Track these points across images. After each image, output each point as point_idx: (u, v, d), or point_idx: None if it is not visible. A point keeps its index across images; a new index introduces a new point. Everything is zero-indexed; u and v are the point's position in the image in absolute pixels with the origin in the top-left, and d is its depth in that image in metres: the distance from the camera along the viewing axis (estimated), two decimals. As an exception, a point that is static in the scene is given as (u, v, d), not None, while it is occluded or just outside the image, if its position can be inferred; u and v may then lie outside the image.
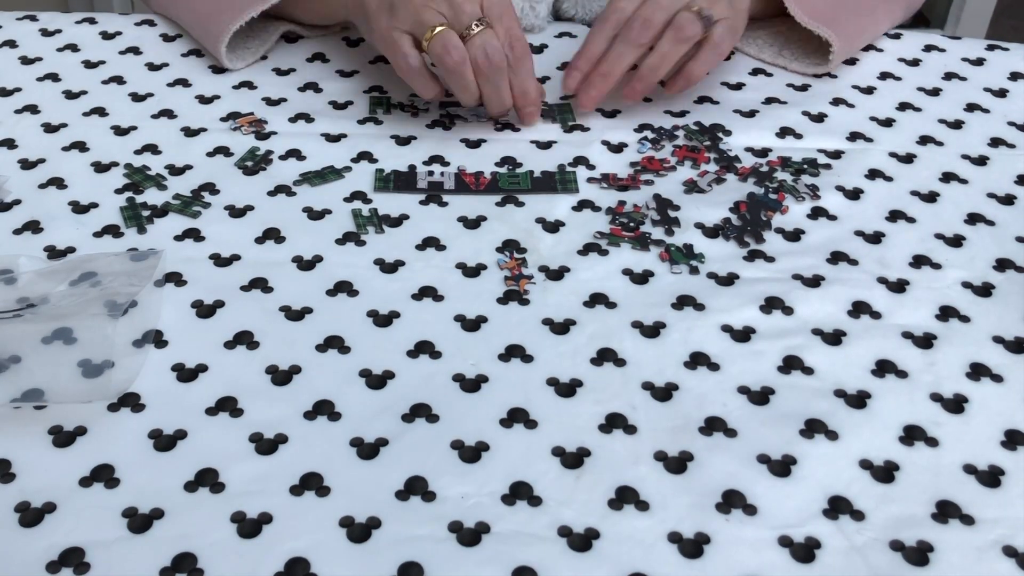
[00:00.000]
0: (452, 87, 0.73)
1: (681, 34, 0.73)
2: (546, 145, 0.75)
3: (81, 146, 0.74)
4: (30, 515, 0.48)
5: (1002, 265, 0.65)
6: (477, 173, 0.72)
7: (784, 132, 0.77)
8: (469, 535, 0.48)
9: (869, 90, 0.83)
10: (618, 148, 0.75)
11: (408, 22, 0.71)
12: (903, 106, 0.81)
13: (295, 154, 0.74)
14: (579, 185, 0.71)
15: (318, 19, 0.86)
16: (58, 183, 0.71)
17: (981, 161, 0.75)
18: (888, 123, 0.79)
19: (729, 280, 0.63)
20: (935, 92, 0.83)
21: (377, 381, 0.56)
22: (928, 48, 0.89)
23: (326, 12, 0.84)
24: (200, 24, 0.85)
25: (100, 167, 0.72)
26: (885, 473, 0.52)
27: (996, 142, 0.77)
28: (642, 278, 0.63)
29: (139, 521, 0.48)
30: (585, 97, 0.75)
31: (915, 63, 0.87)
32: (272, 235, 0.66)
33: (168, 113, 0.78)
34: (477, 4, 0.70)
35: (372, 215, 0.67)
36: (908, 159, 0.75)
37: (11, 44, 0.86)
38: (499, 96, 0.73)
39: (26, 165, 0.72)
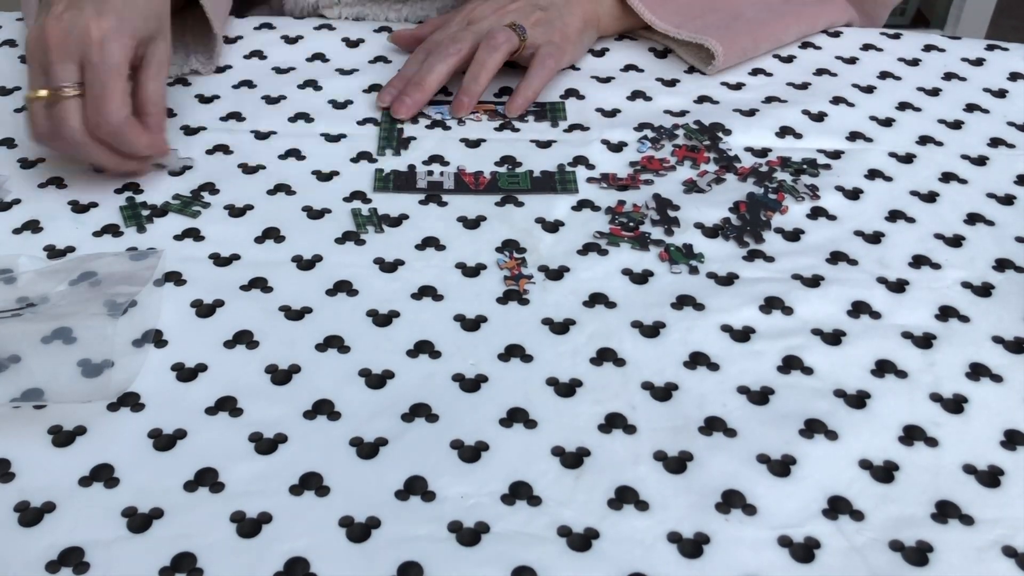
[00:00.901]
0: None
1: (493, 41, 0.76)
2: (546, 145, 0.75)
3: (81, 145, 0.74)
4: (30, 515, 0.48)
5: (1002, 265, 0.65)
6: (477, 173, 0.72)
7: (784, 132, 0.77)
8: (469, 535, 0.48)
9: (869, 90, 0.83)
10: (618, 148, 0.75)
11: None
12: (903, 106, 0.81)
13: (295, 154, 0.74)
14: (579, 185, 0.71)
15: None
16: (58, 182, 0.70)
17: (981, 161, 0.75)
18: (888, 123, 0.79)
19: (729, 280, 0.63)
20: (935, 92, 0.83)
21: (377, 381, 0.56)
22: (928, 48, 0.89)
23: None
24: None
25: (99, 167, 0.72)
26: (885, 473, 0.52)
27: (996, 142, 0.77)
28: (642, 278, 0.63)
29: (139, 521, 0.48)
30: (399, 105, 0.77)
31: (915, 63, 0.87)
32: (272, 235, 0.66)
33: (168, 112, 0.78)
34: (73, 65, 0.65)
35: (372, 215, 0.67)
36: (908, 159, 0.75)
37: (11, 44, 0.86)
38: (100, 164, 0.68)
39: (26, 164, 0.72)
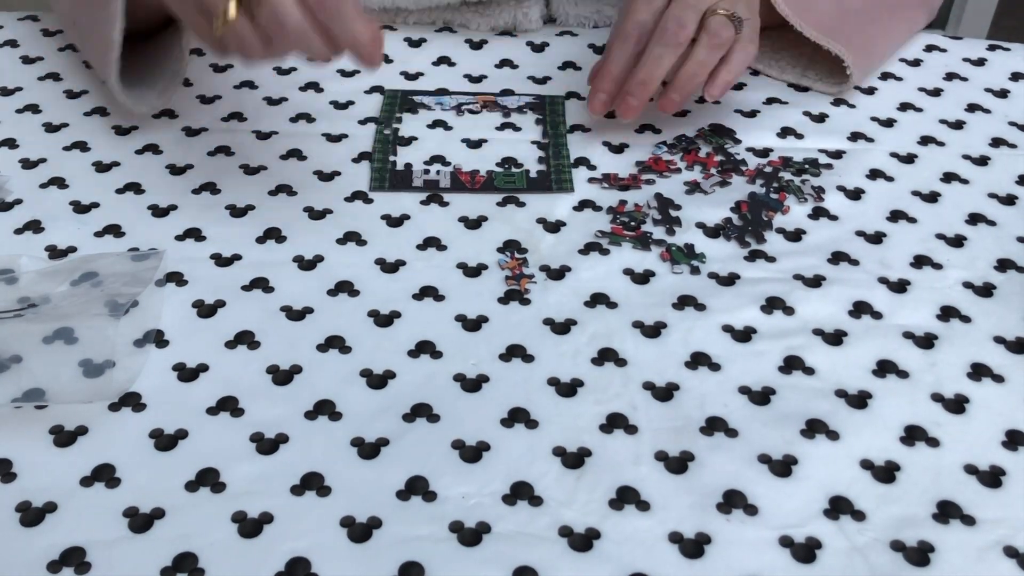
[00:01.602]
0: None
1: (716, 39, 0.70)
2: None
3: (82, 146, 0.74)
4: (31, 515, 0.48)
5: (1003, 265, 0.65)
6: (473, 172, 0.72)
7: (785, 132, 0.77)
8: (470, 535, 0.48)
9: (870, 90, 0.83)
10: (619, 148, 0.75)
11: (197, 2, 0.61)
12: (904, 106, 0.81)
13: (296, 154, 0.74)
14: (575, 184, 0.71)
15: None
16: (59, 183, 0.71)
17: (982, 161, 0.75)
18: (889, 123, 0.79)
19: (730, 280, 0.63)
20: (936, 92, 0.83)
21: (378, 381, 0.56)
22: (929, 48, 0.89)
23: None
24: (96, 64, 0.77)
25: (101, 167, 0.72)
26: (886, 473, 0.52)
27: (997, 142, 0.77)
28: (643, 278, 0.63)
29: (140, 521, 0.48)
30: (624, 107, 0.72)
31: (916, 63, 0.87)
32: (273, 235, 0.66)
33: (169, 113, 0.78)
34: None
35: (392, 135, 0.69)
36: (909, 159, 0.75)
37: (12, 44, 0.86)
38: (313, 55, 0.61)
39: (27, 165, 0.72)
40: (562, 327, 0.59)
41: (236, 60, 0.64)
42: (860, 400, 0.55)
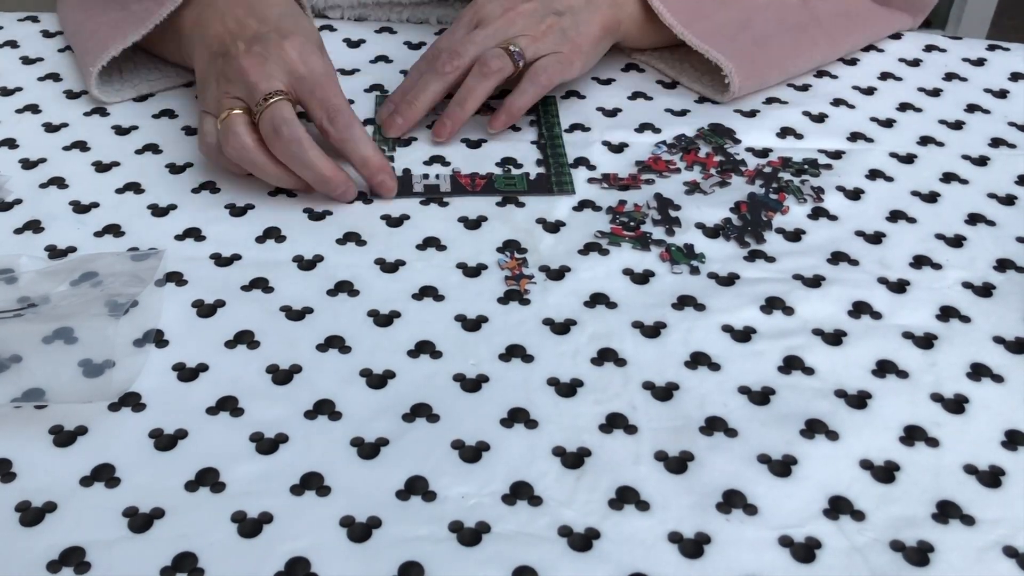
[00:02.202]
0: (250, 170, 0.68)
1: (485, 68, 0.72)
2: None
3: (82, 146, 0.74)
4: (31, 515, 0.48)
5: (1003, 265, 0.65)
6: (473, 174, 0.72)
7: (785, 132, 0.77)
8: (469, 535, 0.48)
9: (869, 90, 0.83)
10: (619, 148, 0.75)
11: (207, 103, 0.68)
12: (903, 106, 0.81)
13: (296, 154, 0.74)
14: (576, 187, 0.71)
15: (180, 59, 0.79)
16: (59, 183, 0.71)
17: (982, 161, 0.75)
18: (889, 123, 0.79)
19: (730, 280, 0.63)
20: (936, 92, 0.83)
21: (378, 381, 0.56)
22: (929, 48, 0.89)
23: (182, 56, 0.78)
24: (79, 49, 0.81)
25: (101, 167, 0.72)
26: (886, 473, 0.52)
27: (997, 142, 0.77)
28: (643, 278, 0.63)
29: (140, 521, 0.48)
30: (390, 124, 0.74)
31: (915, 63, 0.87)
32: (273, 235, 0.66)
33: (169, 113, 0.78)
34: (276, 79, 0.66)
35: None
36: (909, 159, 0.75)
37: (12, 44, 0.86)
38: (311, 172, 0.66)
39: (27, 165, 0.72)
40: (562, 327, 0.60)
41: (221, 162, 0.69)
42: (860, 400, 0.55)
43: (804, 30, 0.83)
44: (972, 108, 0.81)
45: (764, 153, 0.75)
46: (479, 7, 0.76)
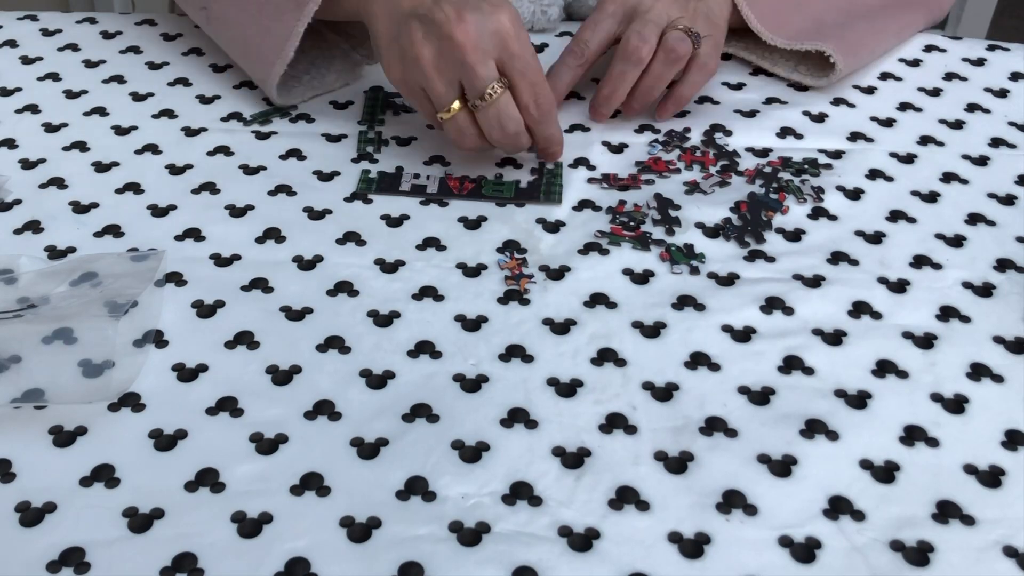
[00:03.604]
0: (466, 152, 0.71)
1: (673, 54, 0.73)
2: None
3: (82, 146, 0.74)
4: (30, 515, 0.48)
5: (1002, 265, 0.65)
6: (462, 178, 0.71)
7: (785, 132, 0.77)
8: (469, 535, 0.48)
9: (870, 90, 0.83)
10: (618, 148, 0.75)
11: (420, 83, 0.67)
12: (904, 106, 0.81)
13: (296, 154, 0.74)
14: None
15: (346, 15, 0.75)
16: (59, 183, 0.71)
17: (982, 161, 0.75)
18: (889, 123, 0.79)
19: (729, 280, 0.63)
20: (936, 92, 0.83)
21: (377, 381, 0.56)
22: (929, 48, 0.89)
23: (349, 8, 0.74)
24: (249, 55, 0.79)
25: (101, 167, 0.72)
26: (885, 473, 0.52)
27: (997, 142, 0.77)
28: (642, 278, 0.63)
29: (139, 521, 0.48)
30: (595, 116, 0.77)
31: (916, 63, 0.87)
32: (272, 235, 0.66)
33: (169, 113, 0.78)
34: (492, 61, 0.65)
35: (376, 137, 0.69)
36: (909, 159, 0.75)
37: (12, 44, 0.86)
38: (515, 150, 0.71)
39: (27, 165, 0.72)
40: (561, 327, 0.59)
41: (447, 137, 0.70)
42: (860, 400, 0.55)
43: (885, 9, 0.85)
44: (972, 108, 0.81)
45: (764, 153, 0.75)
46: None
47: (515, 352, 0.58)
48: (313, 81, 0.80)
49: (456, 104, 0.66)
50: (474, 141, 0.68)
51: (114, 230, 0.66)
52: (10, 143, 0.74)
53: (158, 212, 0.68)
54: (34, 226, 0.67)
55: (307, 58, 0.79)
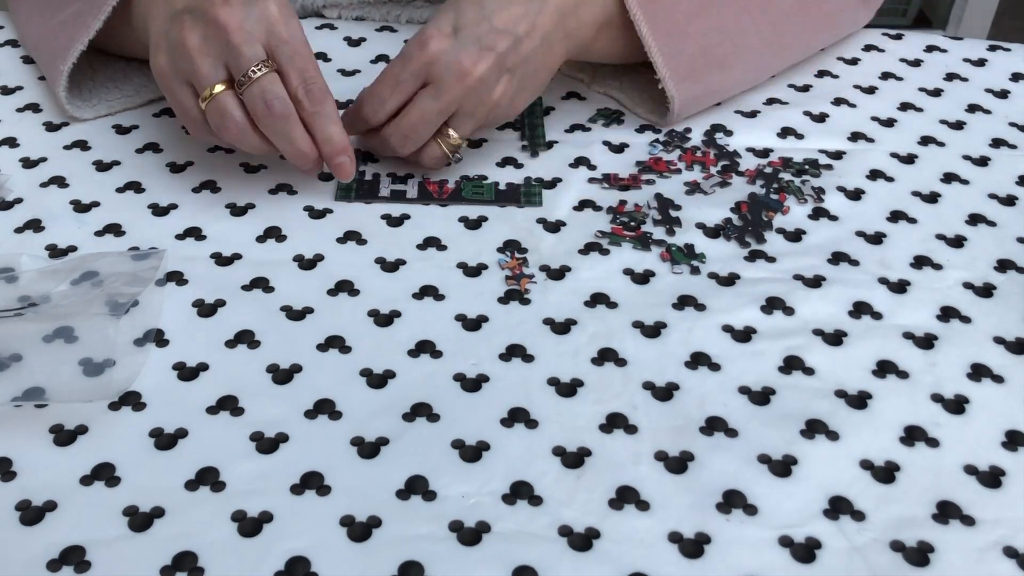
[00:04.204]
0: (234, 146, 0.67)
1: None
2: (546, 146, 0.75)
3: (82, 145, 0.74)
4: (31, 513, 0.48)
5: (1003, 266, 0.65)
6: (441, 181, 0.71)
7: (785, 132, 0.77)
8: (470, 534, 0.48)
9: (870, 90, 0.83)
10: (619, 148, 0.75)
11: (185, 72, 0.64)
12: (904, 106, 0.81)
13: (296, 153, 0.74)
14: (543, 199, 0.69)
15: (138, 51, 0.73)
16: (59, 182, 0.71)
17: (982, 162, 0.75)
18: (889, 123, 0.79)
19: (730, 280, 0.63)
20: (936, 93, 0.83)
21: (378, 380, 0.56)
22: (930, 48, 0.89)
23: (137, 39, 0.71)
24: (43, 63, 0.78)
25: (102, 166, 0.72)
26: (886, 473, 0.52)
27: (997, 143, 0.77)
28: (643, 278, 0.63)
29: (140, 520, 0.48)
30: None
31: (916, 63, 0.87)
32: (273, 234, 0.66)
33: (169, 111, 0.78)
34: (259, 44, 0.63)
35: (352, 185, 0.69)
36: (909, 159, 0.75)
37: (12, 44, 0.86)
38: (292, 147, 0.65)
39: (27, 164, 0.72)
40: (562, 327, 0.60)
41: (206, 136, 0.67)
42: (860, 400, 0.55)
43: (761, 37, 0.78)
44: (973, 108, 0.81)
45: (765, 153, 0.75)
46: (431, 60, 0.66)
47: (515, 352, 0.58)
48: (109, 96, 0.78)
49: (220, 87, 0.63)
50: (237, 127, 0.64)
51: (115, 229, 0.66)
52: (11, 142, 0.74)
53: (159, 211, 0.68)
54: (35, 225, 0.67)
55: (105, 73, 0.79)
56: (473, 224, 0.67)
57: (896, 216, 0.69)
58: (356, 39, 0.87)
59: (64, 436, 0.52)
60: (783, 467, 0.52)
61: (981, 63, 0.87)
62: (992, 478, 0.52)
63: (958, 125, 0.79)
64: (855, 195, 0.71)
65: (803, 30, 0.81)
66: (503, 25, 0.67)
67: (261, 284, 0.62)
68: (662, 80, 0.73)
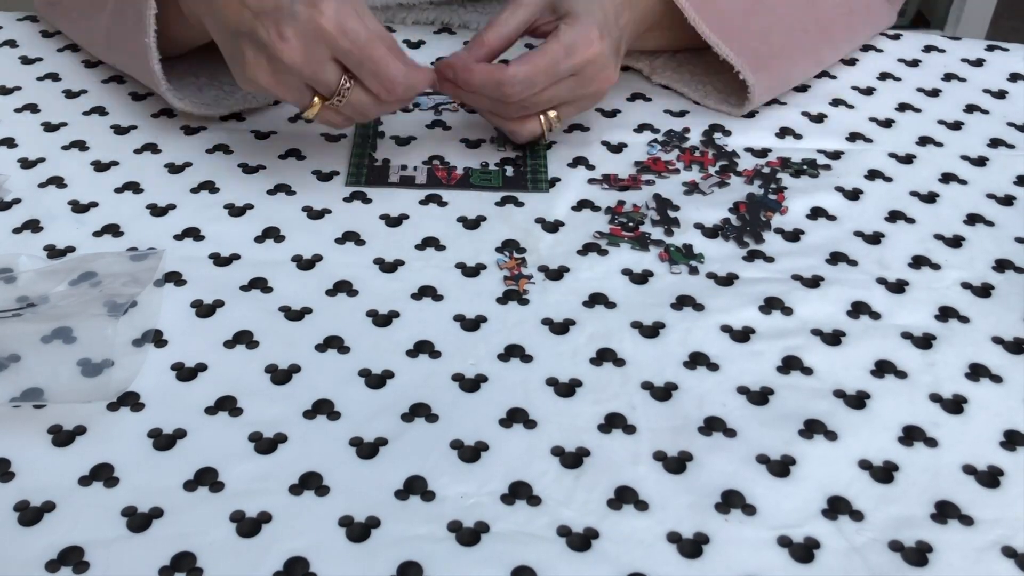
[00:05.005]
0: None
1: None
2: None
3: (81, 145, 0.74)
4: (29, 514, 0.48)
5: (1001, 266, 0.65)
6: (450, 168, 0.72)
7: (784, 132, 0.77)
8: (468, 535, 0.48)
9: (869, 90, 0.83)
10: (617, 148, 0.75)
11: (274, 95, 0.66)
12: (903, 107, 0.81)
13: (295, 153, 0.74)
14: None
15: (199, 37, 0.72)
16: (58, 182, 0.71)
17: (980, 162, 0.75)
18: (888, 124, 0.79)
19: (728, 280, 0.63)
20: (935, 93, 0.83)
21: (377, 381, 0.56)
22: (928, 49, 0.89)
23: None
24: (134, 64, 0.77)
25: (100, 166, 0.72)
26: (884, 473, 0.52)
27: (995, 143, 0.78)
28: (641, 278, 0.63)
29: (138, 520, 0.48)
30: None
31: (915, 64, 0.87)
32: (271, 234, 0.66)
33: (167, 112, 0.78)
34: (332, 64, 0.63)
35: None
36: (908, 160, 0.75)
37: (11, 44, 0.86)
38: (394, 108, 0.69)
39: (26, 164, 0.72)
40: (561, 327, 0.60)
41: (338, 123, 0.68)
42: (858, 400, 0.56)
43: (810, 34, 0.81)
44: (971, 108, 0.81)
45: (763, 153, 0.75)
46: (591, 60, 0.68)
47: (514, 352, 0.58)
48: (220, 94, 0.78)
49: (316, 100, 0.65)
50: (346, 123, 0.68)
51: (113, 229, 0.66)
52: (9, 142, 0.74)
53: (157, 211, 0.68)
54: (33, 225, 0.66)
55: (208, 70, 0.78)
56: (472, 224, 0.67)
57: (894, 216, 0.69)
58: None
59: (63, 436, 0.52)
60: (782, 467, 0.52)
61: (979, 63, 0.87)
62: (991, 478, 0.52)
63: (956, 125, 0.79)
64: (853, 195, 0.71)
65: (848, 23, 0.85)
66: (621, 30, 0.71)
67: (260, 284, 0.62)
68: (740, 70, 0.76)
